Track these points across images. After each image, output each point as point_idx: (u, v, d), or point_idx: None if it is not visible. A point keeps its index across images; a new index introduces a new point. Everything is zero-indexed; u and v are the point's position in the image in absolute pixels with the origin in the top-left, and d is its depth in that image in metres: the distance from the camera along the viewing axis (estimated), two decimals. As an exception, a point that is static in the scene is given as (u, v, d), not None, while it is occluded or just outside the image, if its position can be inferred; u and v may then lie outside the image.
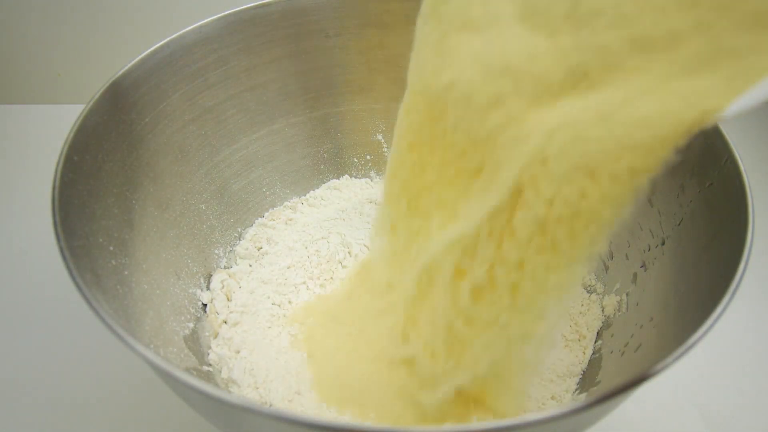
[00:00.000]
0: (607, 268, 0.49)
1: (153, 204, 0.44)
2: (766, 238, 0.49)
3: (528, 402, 0.42)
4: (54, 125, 0.68)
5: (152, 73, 0.44)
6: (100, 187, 0.38)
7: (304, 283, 0.49)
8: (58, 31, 0.67)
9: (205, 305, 0.48)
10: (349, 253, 0.51)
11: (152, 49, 0.44)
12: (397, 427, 0.38)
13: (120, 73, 0.41)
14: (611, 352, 0.43)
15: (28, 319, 0.50)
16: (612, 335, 0.45)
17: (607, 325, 0.46)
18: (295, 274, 0.50)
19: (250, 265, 0.51)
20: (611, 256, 0.49)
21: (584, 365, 0.45)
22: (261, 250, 0.52)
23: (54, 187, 0.34)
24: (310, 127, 0.55)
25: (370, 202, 0.56)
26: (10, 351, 0.48)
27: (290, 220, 0.55)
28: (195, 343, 0.44)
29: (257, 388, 0.41)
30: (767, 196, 0.57)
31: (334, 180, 0.58)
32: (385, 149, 0.58)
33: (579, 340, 0.46)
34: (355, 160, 0.58)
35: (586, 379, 0.44)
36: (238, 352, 0.44)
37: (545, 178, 0.28)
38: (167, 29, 0.45)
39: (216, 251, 0.51)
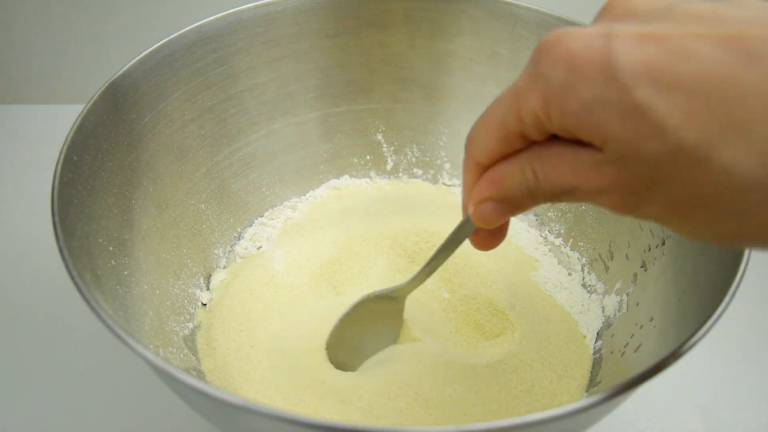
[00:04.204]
0: (607, 268, 0.49)
1: (153, 204, 0.44)
2: (767, 238, 0.49)
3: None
4: (54, 125, 0.68)
5: (152, 73, 0.44)
6: (100, 187, 0.38)
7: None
8: (58, 31, 0.67)
9: (204, 305, 0.48)
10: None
11: (152, 49, 0.44)
12: (397, 427, 0.38)
13: (120, 73, 0.41)
14: (611, 352, 0.43)
15: (28, 319, 0.50)
16: (612, 335, 0.45)
17: (607, 325, 0.46)
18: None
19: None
20: (611, 256, 0.49)
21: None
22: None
23: (54, 187, 0.34)
24: (309, 127, 0.55)
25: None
26: (10, 351, 0.48)
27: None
28: (195, 343, 0.44)
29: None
30: (767, 196, 0.57)
31: (334, 180, 0.58)
32: (385, 149, 0.58)
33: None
34: (355, 160, 0.58)
35: (586, 379, 0.44)
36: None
37: None
38: (167, 29, 0.45)
39: (216, 251, 0.51)
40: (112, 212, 0.39)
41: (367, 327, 0.44)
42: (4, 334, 0.49)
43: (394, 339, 0.45)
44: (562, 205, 0.53)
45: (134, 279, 0.39)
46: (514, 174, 0.26)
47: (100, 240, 0.37)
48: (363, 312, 0.43)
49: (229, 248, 0.52)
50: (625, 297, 0.46)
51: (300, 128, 0.55)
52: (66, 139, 0.36)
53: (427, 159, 0.58)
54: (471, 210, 0.29)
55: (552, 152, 0.24)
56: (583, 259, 0.51)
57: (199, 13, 0.47)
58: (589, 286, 0.50)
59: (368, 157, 0.58)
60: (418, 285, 0.40)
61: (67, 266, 0.31)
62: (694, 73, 0.20)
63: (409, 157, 0.58)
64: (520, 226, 0.55)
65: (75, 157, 0.36)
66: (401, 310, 0.44)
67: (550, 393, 0.42)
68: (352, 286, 0.48)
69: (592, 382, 0.43)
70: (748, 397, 0.47)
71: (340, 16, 0.52)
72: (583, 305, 0.48)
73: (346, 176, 0.58)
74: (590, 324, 0.47)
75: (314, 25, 0.51)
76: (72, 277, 0.30)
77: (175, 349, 0.41)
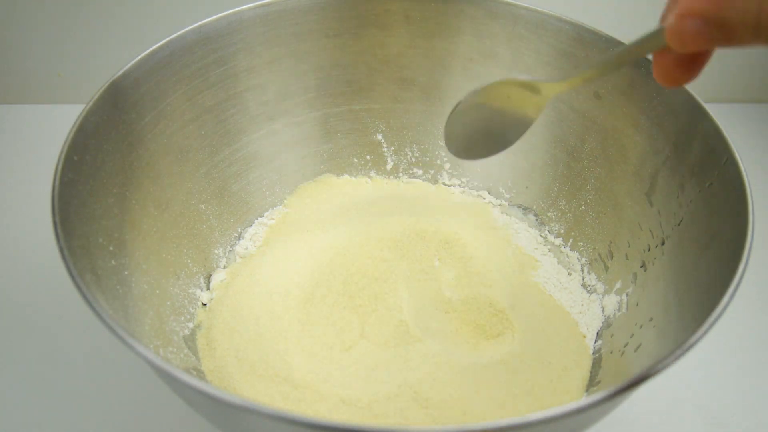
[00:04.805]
0: (607, 268, 0.49)
1: (153, 204, 0.44)
2: (766, 238, 0.50)
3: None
4: (54, 125, 0.68)
5: (152, 73, 0.44)
6: (100, 187, 0.38)
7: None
8: (58, 31, 0.67)
9: (205, 305, 0.48)
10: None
11: (152, 49, 0.44)
12: (396, 426, 0.38)
13: (120, 73, 0.41)
14: (611, 352, 0.43)
15: (28, 320, 0.50)
16: (612, 335, 0.45)
17: (607, 325, 0.46)
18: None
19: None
20: (611, 256, 0.49)
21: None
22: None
23: (54, 187, 0.34)
24: (310, 127, 0.55)
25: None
26: (10, 351, 0.48)
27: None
28: (195, 343, 0.44)
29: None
30: (767, 196, 0.57)
31: (334, 180, 0.58)
32: (385, 149, 0.58)
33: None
34: (355, 160, 0.58)
35: (586, 379, 0.44)
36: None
37: None
38: (167, 29, 0.45)
39: (216, 251, 0.51)
40: (113, 212, 0.39)
41: (496, 114, 0.39)
42: (4, 334, 0.49)
43: (517, 137, 0.40)
44: (562, 205, 0.53)
45: (134, 279, 0.40)
46: None
47: (101, 240, 0.37)
48: (498, 95, 0.38)
49: (229, 248, 0.52)
50: (624, 297, 0.46)
51: (300, 128, 0.55)
52: (66, 139, 0.36)
53: (427, 159, 0.58)
54: (670, 21, 0.23)
55: None
56: (583, 259, 0.51)
57: (199, 13, 0.47)
58: (589, 285, 0.50)
59: (368, 157, 0.58)
60: (570, 87, 0.35)
61: (67, 266, 0.31)
62: None
63: (409, 157, 0.58)
64: (519, 226, 0.55)
65: (75, 157, 0.36)
66: (541, 108, 0.37)
67: (550, 393, 0.42)
68: (353, 286, 0.48)
69: (592, 382, 0.43)
70: (748, 397, 0.47)
71: (340, 16, 0.52)
72: (582, 305, 0.48)
73: (346, 176, 0.58)
74: (590, 324, 0.47)
75: (314, 25, 0.51)
76: (72, 277, 0.30)
77: (175, 349, 0.41)
